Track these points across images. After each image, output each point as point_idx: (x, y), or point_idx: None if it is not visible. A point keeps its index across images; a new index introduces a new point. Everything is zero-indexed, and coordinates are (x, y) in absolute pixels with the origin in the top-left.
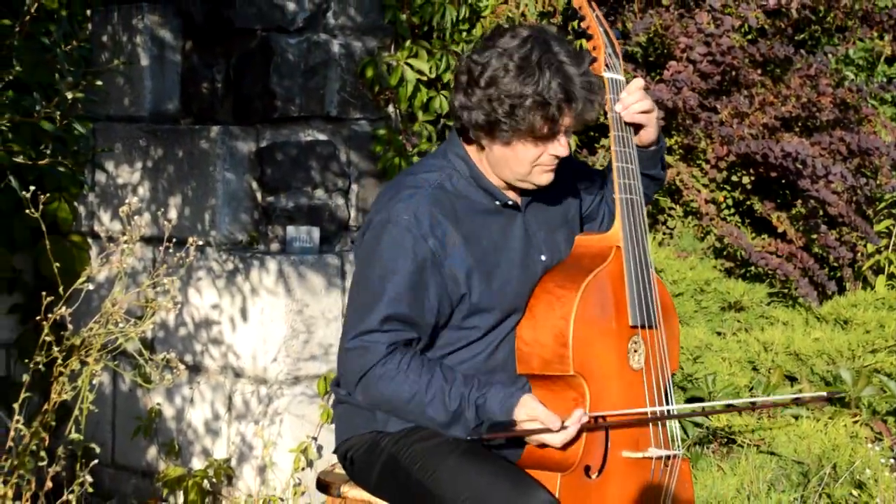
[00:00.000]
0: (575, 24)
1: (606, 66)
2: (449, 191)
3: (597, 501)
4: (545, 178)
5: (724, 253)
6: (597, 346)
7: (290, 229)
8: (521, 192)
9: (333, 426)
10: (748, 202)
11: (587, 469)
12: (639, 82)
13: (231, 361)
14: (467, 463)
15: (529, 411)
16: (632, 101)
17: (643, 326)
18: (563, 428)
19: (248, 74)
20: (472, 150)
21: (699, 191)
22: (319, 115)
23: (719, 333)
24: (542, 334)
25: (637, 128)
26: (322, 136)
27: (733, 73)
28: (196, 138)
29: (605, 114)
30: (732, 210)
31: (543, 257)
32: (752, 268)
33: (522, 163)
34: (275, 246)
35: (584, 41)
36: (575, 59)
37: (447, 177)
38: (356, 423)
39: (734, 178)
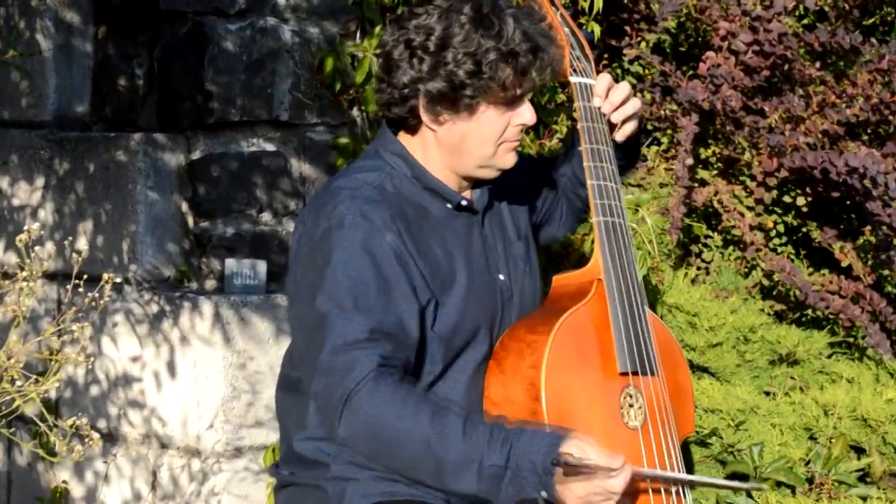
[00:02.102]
0: None
1: (574, 69)
2: (390, 193)
3: None
4: (510, 159)
5: (774, 292)
6: (579, 400)
7: (230, 263)
8: (475, 185)
9: None
10: (804, 229)
11: None
12: (606, 78)
13: (155, 428)
14: None
15: (586, 445)
16: (620, 98)
17: (636, 373)
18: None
19: (177, 69)
20: (410, 144)
21: (742, 214)
22: (266, 119)
23: (768, 393)
24: (513, 390)
25: (614, 128)
26: (270, 146)
27: (786, 66)
28: (112, 148)
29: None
30: (784, 239)
31: (501, 276)
32: (810, 311)
33: (487, 140)
34: (210, 283)
35: None
36: (523, 11)
37: (387, 177)
38: None
39: (786, 199)
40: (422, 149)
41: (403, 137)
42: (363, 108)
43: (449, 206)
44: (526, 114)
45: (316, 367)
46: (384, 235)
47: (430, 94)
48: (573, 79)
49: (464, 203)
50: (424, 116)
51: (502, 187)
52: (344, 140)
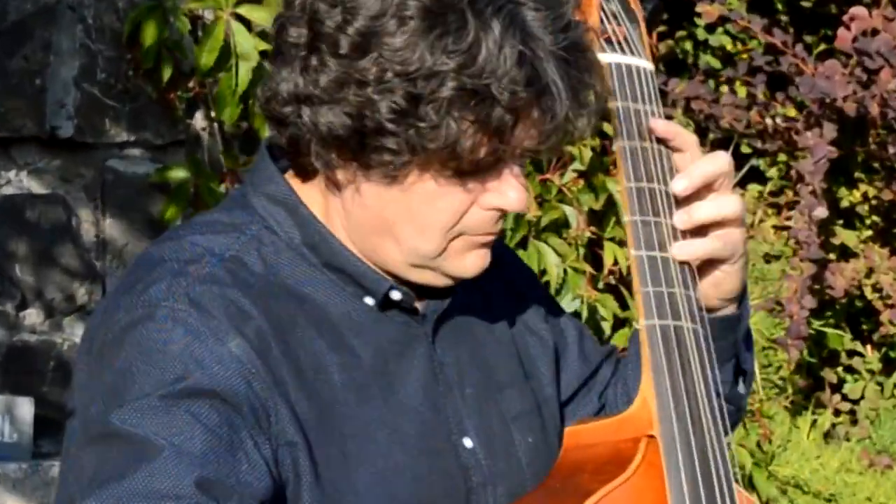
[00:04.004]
0: None
1: (607, 39)
2: (256, 273)
3: None
4: (472, 263)
5: None
6: None
7: None
8: (421, 289)
9: None
10: None
11: None
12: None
13: None
14: None
15: None
16: (701, 173)
17: None
18: None
19: None
20: (305, 192)
21: None
22: (33, 135)
23: None
24: None
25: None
26: (39, 186)
27: None
28: None
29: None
30: None
31: (469, 441)
32: None
33: (427, 227)
34: None
35: None
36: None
37: (251, 244)
38: None
39: None
40: (322, 205)
41: (294, 180)
42: (212, 113)
43: (369, 301)
44: (509, 192)
45: None
46: (225, 341)
47: (320, 130)
48: (605, 57)
49: (395, 297)
50: (316, 162)
51: (495, 284)
52: (178, 173)
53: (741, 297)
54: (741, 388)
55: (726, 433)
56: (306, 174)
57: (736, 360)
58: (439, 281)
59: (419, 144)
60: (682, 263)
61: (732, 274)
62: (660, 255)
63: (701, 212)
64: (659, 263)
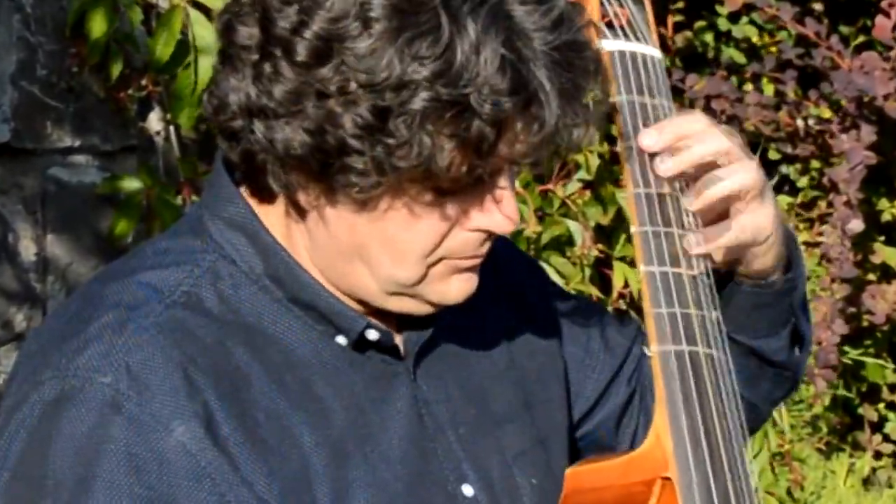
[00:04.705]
0: None
1: (608, 24)
2: (212, 315)
3: None
4: (457, 288)
5: None
6: None
7: None
8: (401, 317)
9: None
10: None
11: None
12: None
13: None
14: None
15: None
16: (726, 187)
17: None
18: None
19: None
20: (266, 213)
21: None
22: None
23: None
24: None
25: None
26: None
27: None
28: None
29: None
30: None
31: (469, 489)
32: None
33: (404, 254)
34: None
35: None
36: None
37: (207, 277)
38: None
39: None
40: (282, 226)
41: (252, 199)
42: (170, 115)
43: (341, 340)
44: (496, 211)
45: None
46: (170, 428)
47: (276, 148)
48: (607, 44)
49: (372, 337)
50: (274, 183)
51: (489, 295)
52: (130, 183)
53: (788, 265)
54: (798, 353)
55: (747, 447)
56: (263, 195)
57: (794, 324)
58: (421, 309)
59: (388, 164)
60: (696, 280)
61: (762, 253)
62: (673, 271)
63: (712, 189)
64: (672, 280)
